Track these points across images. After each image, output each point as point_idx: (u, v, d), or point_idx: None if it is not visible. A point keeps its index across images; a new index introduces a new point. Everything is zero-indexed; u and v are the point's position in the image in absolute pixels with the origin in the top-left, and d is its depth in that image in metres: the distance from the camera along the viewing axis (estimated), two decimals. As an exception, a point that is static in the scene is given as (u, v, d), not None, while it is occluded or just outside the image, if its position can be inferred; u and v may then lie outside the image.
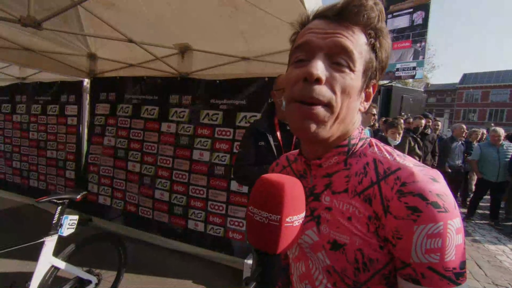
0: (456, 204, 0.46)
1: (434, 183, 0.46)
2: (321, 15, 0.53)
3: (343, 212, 0.53)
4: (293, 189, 0.43)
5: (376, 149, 0.56)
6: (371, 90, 0.57)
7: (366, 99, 0.57)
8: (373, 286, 0.50)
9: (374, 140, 0.59)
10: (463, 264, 0.45)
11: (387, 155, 0.54)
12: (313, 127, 0.50)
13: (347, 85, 0.50)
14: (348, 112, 0.52)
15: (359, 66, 0.51)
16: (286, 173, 0.69)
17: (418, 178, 0.47)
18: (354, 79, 0.50)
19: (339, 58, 0.49)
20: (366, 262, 0.49)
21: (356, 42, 0.50)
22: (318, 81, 0.48)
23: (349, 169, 0.56)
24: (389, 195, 0.48)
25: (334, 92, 0.49)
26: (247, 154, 1.72)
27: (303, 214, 0.44)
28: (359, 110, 0.56)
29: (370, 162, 0.54)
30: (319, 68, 0.48)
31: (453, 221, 0.44)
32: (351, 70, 0.50)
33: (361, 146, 0.57)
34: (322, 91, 0.49)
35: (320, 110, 0.49)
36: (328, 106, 0.50)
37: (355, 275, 0.50)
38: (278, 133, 1.69)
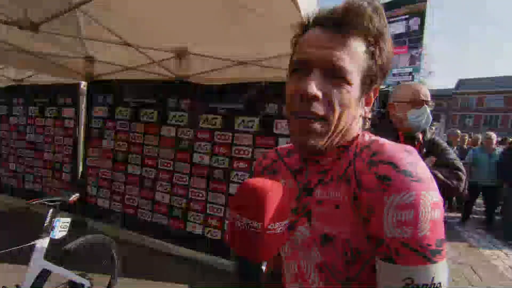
0: (433, 178, 0.44)
1: (407, 153, 0.46)
2: (320, 23, 0.53)
3: (331, 202, 0.52)
4: (277, 195, 0.41)
5: (363, 137, 0.57)
6: (371, 94, 0.57)
7: (367, 104, 0.58)
8: (364, 279, 0.49)
9: (367, 133, 0.60)
10: (440, 242, 0.41)
11: (367, 137, 0.56)
12: (311, 141, 0.52)
13: (344, 99, 0.50)
14: (348, 122, 0.53)
15: (356, 77, 0.51)
16: (276, 166, 0.69)
17: (389, 148, 0.47)
18: (351, 91, 0.50)
19: (335, 73, 0.50)
20: (354, 254, 0.48)
21: (353, 54, 0.50)
22: (314, 97, 0.49)
23: (340, 160, 0.56)
24: (362, 168, 0.48)
25: (331, 106, 0.50)
26: None
27: (286, 221, 0.43)
28: (360, 115, 0.57)
29: (353, 148, 0.55)
30: (314, 86, 0.48)
31: (428, 193, 0.42)
32: (348, 83, 0.50)
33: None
34: (319, 106, 0.50)
35: (317, 125, 0.51)
36: (325, 119, 0.50)
37: (345, 269, 0.49)
38: None
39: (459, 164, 1.47)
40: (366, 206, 0.45)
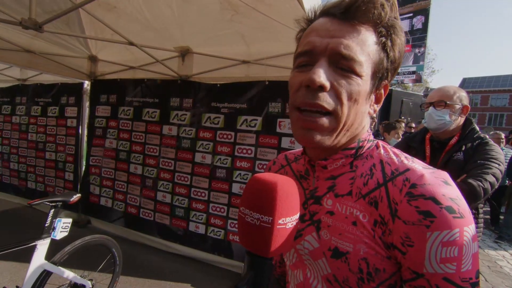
0: (469, 210, 0.43)
1: (447, 186, 0.43)
2: (327, 12, 0.49)
3: (347, 217, 0.49)
4: (287, 189, 0.40)
5: (382, 150, 0.53)
6: (382, 91, 0.53)
7: (377, 101, 0.54)
8: None
9: (381, 142, 0.56)
10: (478, 273, 0.42)
11: (394, 157, 0.51)
12: (317, 137, 0.48)
13: (353, 92, 0.46)
14: (356, 119, 0.49)
15: (367, 70, 0.47)
16: (284, 172, 0.67)
17: (429, 181, 0.43)
18: (361, 84, 0.46)
19: (343, 63, 0.46)
20: (371, 272, 0.46)
21: (363, 44, 0.46)
22: (321, 88, 0.45)
23: (354, 171, 0.53)
24: (398, 197, 0.44)
25: (339, 99, 0.46)
26: None
27: (297, 216, 0.42)
28: (369, 113, 0.53)
29: (377, 163, 0.51)
30: (322, 74, 0.44)
31: (469, 228, 0.41)
32: (358, 75, 0.46)
33: (368, 148, 0.54)
34: (327, 98, 0.45)
35: (324, 121, 0.47)
36: (333, 115, 0.47)
37: (358, 285, 0.47)
38: (428, 149, 1.64)
39: (494, 170, 1.35)
40: (403, 237, 0.43)
